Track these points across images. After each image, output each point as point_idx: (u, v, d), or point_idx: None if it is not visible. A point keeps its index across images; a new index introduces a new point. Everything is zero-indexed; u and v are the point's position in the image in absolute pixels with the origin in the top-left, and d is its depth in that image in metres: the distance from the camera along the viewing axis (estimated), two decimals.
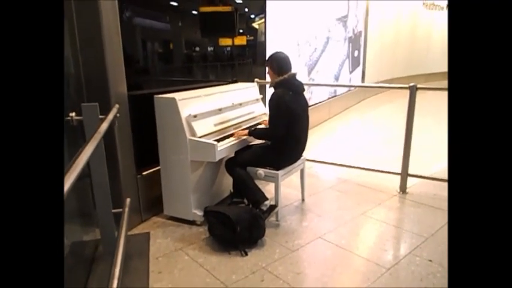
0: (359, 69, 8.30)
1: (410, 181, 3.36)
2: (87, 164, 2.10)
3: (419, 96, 3.14)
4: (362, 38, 8.29)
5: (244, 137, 2.83)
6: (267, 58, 2.84)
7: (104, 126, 1.64)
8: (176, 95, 2.57)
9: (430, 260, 2.27)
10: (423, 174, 3.40)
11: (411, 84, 3.14)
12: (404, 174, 3.31)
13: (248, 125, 3.08)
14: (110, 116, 1.86)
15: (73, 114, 2.00)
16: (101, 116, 1.96)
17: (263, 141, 2.90)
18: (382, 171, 3.57)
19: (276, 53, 2.75)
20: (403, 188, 3.34)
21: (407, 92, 3.17)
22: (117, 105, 2.19)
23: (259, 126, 3.12)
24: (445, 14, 11.34)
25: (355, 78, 8.08)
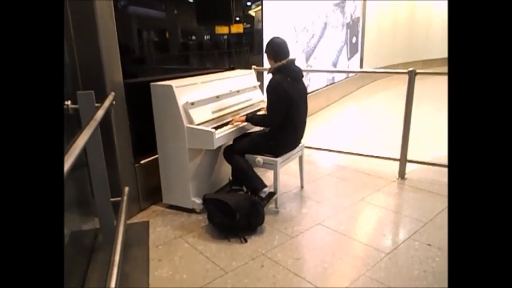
0: (357, 55, 8.24)
1: (409, 167, 3.36)
2: (85, 153, 2.10)
3: (418, 82, 3.12)
4: (360, 24, 8.20)
5: (242, 124, 2.81)
6: (264, 45, 2.80)
7: (100, 113, 1.62)
8: (173, 82, 2.54)
9: (429, 244, 2.28)
10: (422, 160, 3.40)
11: (410, 69, 3.12)
12: (403, 160, 3.31)
13: (246, 112, 3.06)
14: (106, 104, 1.84)
15: (68, 102, 1.98)
16: (96, 104, 1.94)
17: (261, 128, 2.88)
18: (381, 157, 3.57)
19: (273, 38, 2.72)
20: (401, 174, 3.34)
21: (406, 79, 3.15)
22: (113, 93, 2.17)
23: (259, 113, 3.10)
24: None
25: (353, 65, 8.03)
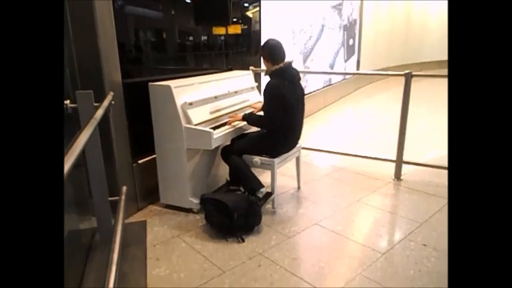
0: (354, 57, 8.28)
1: (405, 168, 3.38)
2: (83, 153, 2.10)
3: (414, 85, 3.16)
4: (357, 27, 8.25)
5: (239, 124, 2.82)
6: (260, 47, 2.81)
7: (100, 112, 1.63)
8: (171, 83, 2.55)
9: (425, 245, 2.30)
10: (418, 162, 3.43)
11: (406, 71, 3.15)
12: (399, 161, 3.34)
13: (243, 113, 3.07)
14: (105, 103, 1.85)
15: (67, 102, 1.98)
16: (95, 104, 1.94)
17: (258, 128, 2.89)
18: (377, 159, 3.60)
19: (268, 40, 2.72)
20: (397, 175, 3.36)
21: (402, 81, 3.18)
22: (112, 93, 2.18)
23: (249, 111, 3.09)
24: (440, 1, 11.30)
25: (350, 67, 8.07)
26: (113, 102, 2.09)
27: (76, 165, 1.07)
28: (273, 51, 2.65)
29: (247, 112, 2.84)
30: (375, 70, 8.84)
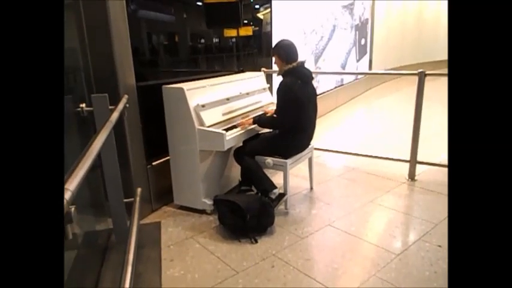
0: (366, 57, 8.22)
1: (419, 168, 3.35)
2: (99, 155, 2.14)
3: (428, 84, 3.12)
4: (369, 26, 8.19)
5: (251, 126, 2.83)
6: (272, 47, 2.82)
7: (115, 115, 1.66)
8: (184, 85, 2.58)
9: (440, 246, 2.27)
10: (432, 161, 3.39)
11: (420, 70, 3.12)
12: (413, 161, 3.30)
13: (255, 114, 3.09)
14: (120, 106, 1.88)
15: (83, 105, 2.03)
16: (110, 107, 1.98)
17: (271, 130, 2.90)
18: (391, 159, 3.57)
19: (281, 40, 2.74)
20: (411, 176, 3.33)
21: (415, 80, 3.15)
22: (126, 96, 2.21)
23: (259, 113, 3.11)
24: None
25: (362, 67, 8.02)
26: (127, 105, 2.12)
27: (92, 167, 1.08)
28: (287, 51, 2.66)
29: (257, 115, 2.85)
30: (387, 69, 8.77)
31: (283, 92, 2.60)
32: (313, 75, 2.80)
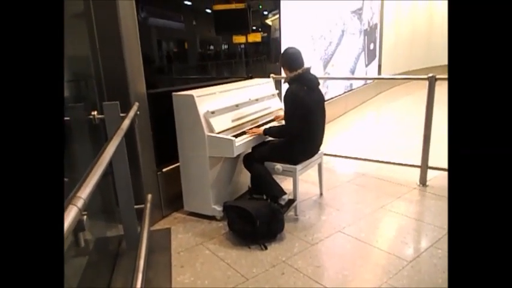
0: (375, 62, 8.19)
1: (431, 174, 3.31)
2: (110, 162, 2.16)
3: (438, 87, 3.09)
4: (378, 31, 8.18)
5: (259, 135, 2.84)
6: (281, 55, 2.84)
7: (126, 123, 1.68)
8: (194, 92, 2.60)
9: None
10: (443, 167, 3.35)
11: (430, 75, 3.09)
12: (424, 166, 3.27)
13: (265, 121, 3.09)
14: (131, 113, 1.91)
15: (95, 113, 2.05)
16: (121, 114, 2.01)
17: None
18: (402, 164, 3.53)
19: (287, 49, 2.76)
20: (423, 181, 3.29)
21: (425, 85, 3.12)
22: (137, 103, 2.24)
23: (272, 123, 3.11)
24: None
25: (371, 72, 7.99)
26: (138, 112, 2.15)
27: (104, 174, 1.10)
28: (291, 59, 2.68)
29: (267, 126, 2.85)
30: (396, 74, 8.72)
31: (289, 99, 2.62)
32: (321, 81, 2.80)
